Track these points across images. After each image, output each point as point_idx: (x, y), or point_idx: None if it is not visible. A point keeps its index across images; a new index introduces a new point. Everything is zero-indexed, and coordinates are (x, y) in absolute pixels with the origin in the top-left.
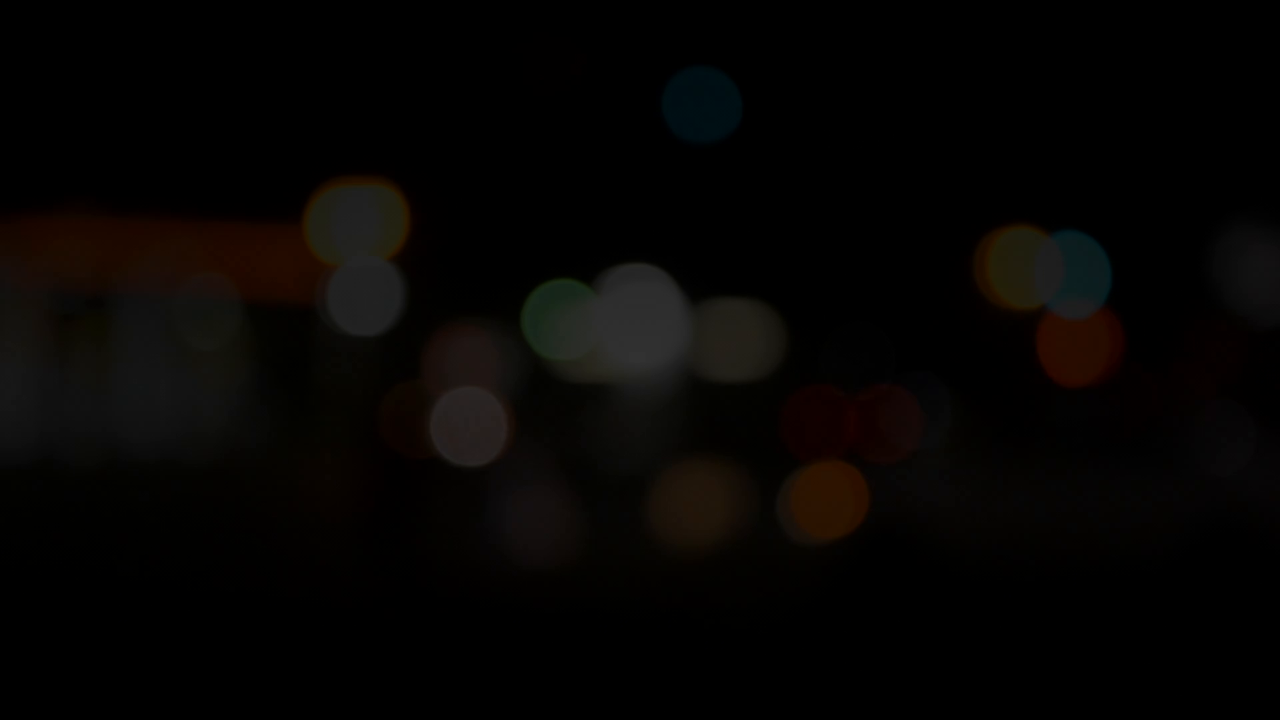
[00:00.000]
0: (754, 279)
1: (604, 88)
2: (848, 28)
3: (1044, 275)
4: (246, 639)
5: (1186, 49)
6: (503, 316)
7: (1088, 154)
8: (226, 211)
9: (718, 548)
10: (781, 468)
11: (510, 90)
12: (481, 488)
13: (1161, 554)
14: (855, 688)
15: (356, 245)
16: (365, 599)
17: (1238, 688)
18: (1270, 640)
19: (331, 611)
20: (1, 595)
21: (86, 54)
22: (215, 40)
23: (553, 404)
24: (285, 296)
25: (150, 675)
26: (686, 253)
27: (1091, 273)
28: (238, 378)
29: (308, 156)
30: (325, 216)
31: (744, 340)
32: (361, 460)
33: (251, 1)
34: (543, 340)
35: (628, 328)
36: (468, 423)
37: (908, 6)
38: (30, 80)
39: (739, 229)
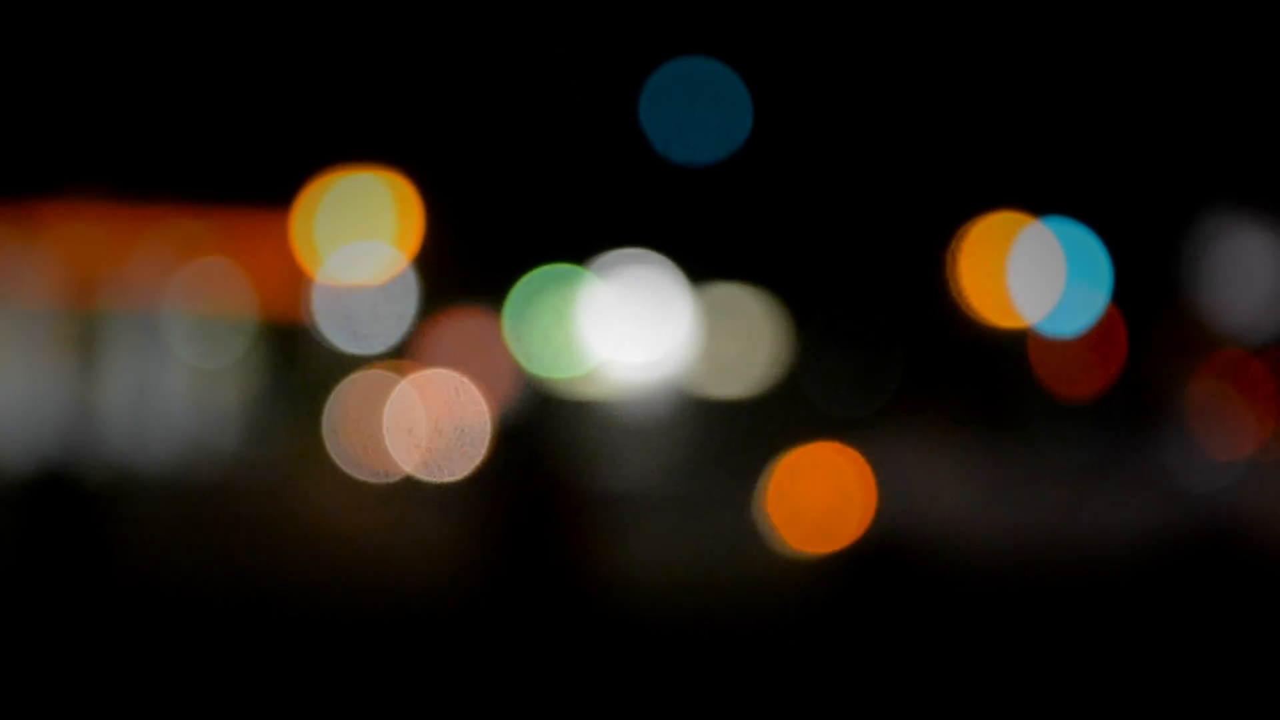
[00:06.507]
0: (747, 271)
1: (599, 86)
2: (847, 27)
3: (1043, 271)
4: (249, 654)
5: (1183, 48)
6: (497, 301)
7: (1085, 152)
8: (223, 211)
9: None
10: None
11: (500, 83)
12: None
13: (1154, 568)
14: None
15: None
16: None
17: (1231, 696)
18: (1262, 650)
19: (339, 627)
20: (1, 606)
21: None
22: (211, 43)
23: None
24: (283, 304)
25: (152, 691)
26: (681, 241)
27: (1091, 271)
28: (240, 390)
29: (304, 154)
30: (318, 214)
31: (743, 334)
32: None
33: None
34: (528, 331)
35: (625, 314)
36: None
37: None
38: (26, 79)
39: (732, 225)
